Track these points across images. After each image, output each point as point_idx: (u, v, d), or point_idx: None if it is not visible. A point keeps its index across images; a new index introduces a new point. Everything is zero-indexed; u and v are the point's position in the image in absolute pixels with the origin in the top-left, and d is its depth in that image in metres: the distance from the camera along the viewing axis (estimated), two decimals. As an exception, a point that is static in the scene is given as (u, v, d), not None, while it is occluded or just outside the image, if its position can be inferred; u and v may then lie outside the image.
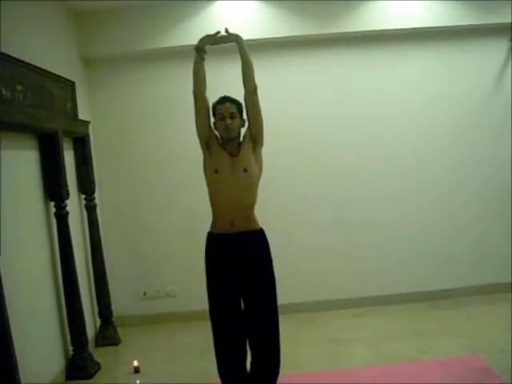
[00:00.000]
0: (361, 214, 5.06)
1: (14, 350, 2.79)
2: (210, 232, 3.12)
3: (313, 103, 5.00)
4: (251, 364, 3.14)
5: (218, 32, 3.08)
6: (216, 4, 4.68)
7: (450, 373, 3.49)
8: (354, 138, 5.02)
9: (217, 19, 4.55)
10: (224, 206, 3.02)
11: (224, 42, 3.11)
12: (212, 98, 3.06)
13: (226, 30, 3.07)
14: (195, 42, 3.04)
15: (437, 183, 5.07)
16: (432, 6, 4.75)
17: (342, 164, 5.04)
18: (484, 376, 3.39)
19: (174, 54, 4.78)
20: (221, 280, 3.05)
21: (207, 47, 3.05)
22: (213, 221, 3.11)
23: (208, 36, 3.09)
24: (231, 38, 3.07)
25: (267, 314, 3.07)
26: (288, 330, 3.82)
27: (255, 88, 3.05)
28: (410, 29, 4.81)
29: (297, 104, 4.99)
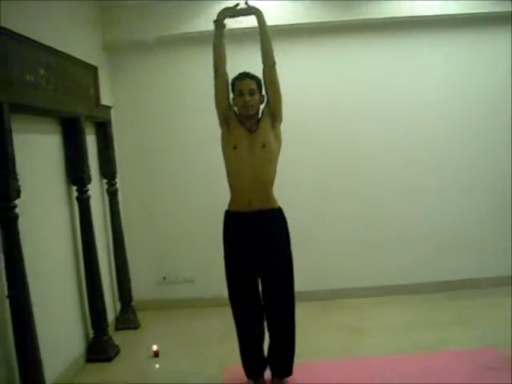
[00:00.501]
0: (382, 205, 5.01)
1: (35, 332, 2.83)
2: (227, 210, 3.12)
3: (337, 92, 4.94)
4: (269, 346, 3.18)
5: (237, 4, 3.06)
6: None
7: (469, 363, 3.46)
8: (379, 128, 4.96)
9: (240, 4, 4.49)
10: (242, 183, 3.01)
11: (243, 15, 3.08)
12: (231, 74, 3.06)
13: (246, 2, 3.05)
14: (217, 27, 3.03)
15: (460, 173, 4.99)
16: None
17: (365, 155, 4.98)
18: (503, 367, 3.35)
19: (196, 40, 4.73)
20: (238, 258, 3.08)
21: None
22: (231, 199, 3.11)
23: (227, 8, 3.07)
24: (251, 11, 3.05)
25: (283, 292, 3.09)
26: (306, 318, 3.82)
27: (274, 63, 3.01)
28: (441, 15, 4.69)
29: (322, 92, 4.93)
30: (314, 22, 4.72)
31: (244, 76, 3.03)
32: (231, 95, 3.09)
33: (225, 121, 3.08)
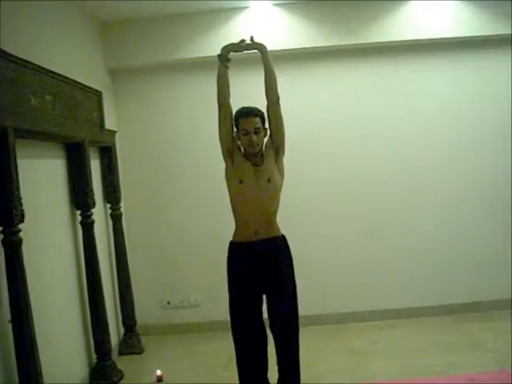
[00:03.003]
0: (387, 226, 5.01)
1: (38, 356, 2.81)
2: (232, 241, 3.12)
3: (339, 118, 4.99)
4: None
5: (243, 40, 3.09)
6: (242, 14, 4.70)
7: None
8: (380, 153, 4.99)
9: (242, 30, 4.51)
10: (248, 216, 3.02)
11: (248, 50, 3.11)
12: (235, 106, 3.07)
13: (252, 38, 3.08)
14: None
15: (467, 193, 4.98)
16: (461, 15, 4.67)
17: (368, 176, 4.99)
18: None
19: (199, 65, 4.79)
20: (244, 286, 3.06)
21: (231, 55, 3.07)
22: (235, 230, 3.11)
23: (232, 44, 3.10)
24: (255, 46, 3.08)
25: (288, 318, 3.08)
26: (311, 342, 3.76)
27: (278, 98, 3.05)
28: (439, 39, 4.74)
29: (323, 117, 4.98)
30: (312, 46, 4.77)
31: (248, 114, 3.02)
32: (235, 129, 3.10)
33: (229, 155, 3.08)
